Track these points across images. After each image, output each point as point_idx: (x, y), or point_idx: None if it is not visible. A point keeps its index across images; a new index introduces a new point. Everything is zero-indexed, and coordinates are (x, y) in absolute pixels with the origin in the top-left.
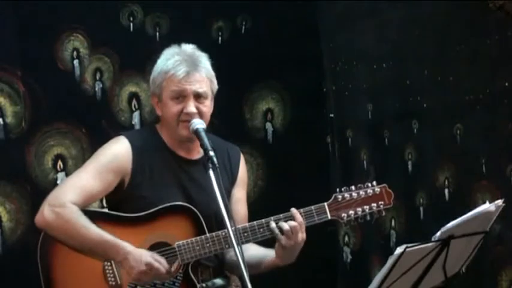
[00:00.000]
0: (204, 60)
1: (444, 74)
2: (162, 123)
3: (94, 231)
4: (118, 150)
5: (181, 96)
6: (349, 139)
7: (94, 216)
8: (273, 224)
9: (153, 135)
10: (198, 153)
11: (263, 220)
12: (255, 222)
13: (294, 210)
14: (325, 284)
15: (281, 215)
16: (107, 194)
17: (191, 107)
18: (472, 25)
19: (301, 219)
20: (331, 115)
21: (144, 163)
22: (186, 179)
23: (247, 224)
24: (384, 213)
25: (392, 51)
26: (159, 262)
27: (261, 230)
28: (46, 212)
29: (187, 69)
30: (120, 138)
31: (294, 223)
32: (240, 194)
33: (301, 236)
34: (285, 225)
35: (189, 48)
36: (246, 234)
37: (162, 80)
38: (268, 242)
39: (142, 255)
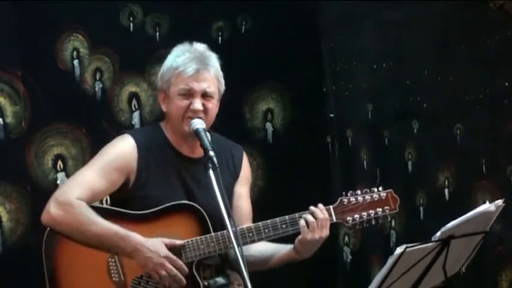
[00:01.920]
0: (214, 60)
1: (444, 74)
2: (166, 121)
3: (102, 224)
4: (123, 149)
5: (189, 94)
6: (349, 139)
7: (100, 213)
8: (301, 220)
9: (157, 133)
10: (201, 152)
11: (268, 221)
12: (260, 222)
13: (321, 205)
14: (325, 284)
15: (296, 214)
16: (112, 192)
17: (198, 104)
18: (472, 25)
19: (327, 215)
20: (331, 115)
21: (149, 161)
22: (190, 178)
23: (252, 225)
24: (389, 219)
25: (392, 51)
26: (173, 245)
27: (266, 230)
28: (52, 209)
29: (197, 67)
30: (125, 137)
31: (322, 215)
32: (242, 189)
33: (326, 231)
34: (310, 218)
35: (200, 46)
36: (250, 234)
37: (171, 76)
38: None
39: (157, 245)
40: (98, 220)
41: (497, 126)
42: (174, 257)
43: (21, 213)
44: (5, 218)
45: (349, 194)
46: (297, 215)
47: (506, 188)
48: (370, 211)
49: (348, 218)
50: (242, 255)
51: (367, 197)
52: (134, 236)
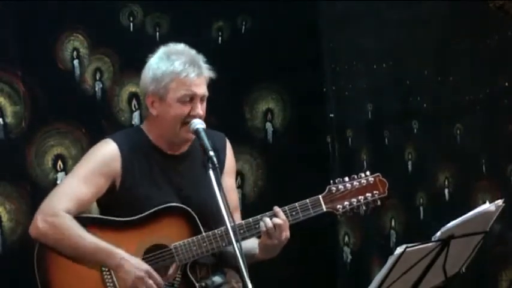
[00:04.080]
0: (202, 60)
1: (444, 74)
2: (153, 122)
3: (88, 239)
4: (106, 154)
5: (190, 99)
6: (349, 139)
7: (88, 222)
8: (262, 223)
9: (139, 135)
10: (184, 148)
11: (258, 216)
12: (250, 219)
13: (277, 208)
14: (325, 284)
15: (267, 214)
16: (99, 197)
17: (199, 109)
18: (472, 25)
19: (285, 217)
20: (331, 115)
21: (133, 164)
22: (177, 176)
23: (243, 221)
24: (379, 203)
25: (392, 51)
26: (155, 275)
27: (257, 226)
28: (39, 223)
29: (198, 72)
30: (107, 141)
31: (279, 221)
32: (228, 181)
33: (285, 234)
34: (269, 223)
35: (186, 48)
36: (242, 231)
37: (170, 81)
38: None
39: (139, 262)
40: (85, 235)
41: (497, 126)
42: (155, 273)
43: (21, 213)
44: (5, 218)
45: (337, 182)
46: (287, 207)
47: (506, 188)
48: (360, 197)
49: (338, 206)
50: (241, 253)
51: (355, 183)
52: (119, 253)
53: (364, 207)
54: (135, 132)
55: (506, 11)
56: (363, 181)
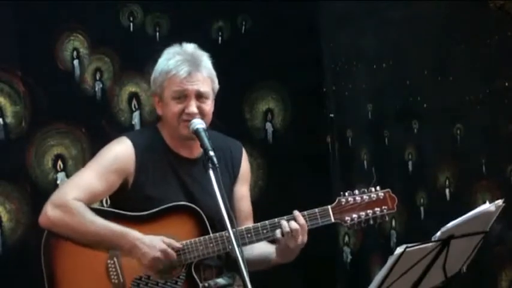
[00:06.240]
0: (206, 60)
1: (444, 74)
2: (162, 123)
3: (100, 223)
4: (121, 151)
5: (182, 96)
6: (349, 139)
7: (98, 214)
8: (277, 230)
9: (154, 135)
10: (198, 152)
11: (267, 222)
12: (258, 223)
13: (296, 212)
14: (325, 284)
15: (284, 217)
16: (111, 194)
17: (192, 107)
18: (472, 25)
19: (304, 221)
20: (331, 115)
21: (147, 163)
22: (188, 179)
23: (250, 225)
24: (387, 218)
25: (392, 51)
26: (172, 246)
27: (264, 231)
28: (50, 212)
29: (189, 69)
30: (122, 139)
31: (296, 226)
32: (243, 190)
33: (301, 239)
34: (286, 228)
35: (190, 47)
36: (249, 235)
37: (164, 80)
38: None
39: (154, 241)
40: (96, 219)
41: (497, 126)
42: (171, 251)
43: (21, 213)
44: (5, 218)
45: (347, 194)
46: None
47: (506, 188)
48: (369, 211)
49: (347, 218)
50: (242, 256)
51: (365, 196)
52: (132, 233)
53: (372, 222)
54: (151, 131)
55: (506, 11)
56: (373, 195)
